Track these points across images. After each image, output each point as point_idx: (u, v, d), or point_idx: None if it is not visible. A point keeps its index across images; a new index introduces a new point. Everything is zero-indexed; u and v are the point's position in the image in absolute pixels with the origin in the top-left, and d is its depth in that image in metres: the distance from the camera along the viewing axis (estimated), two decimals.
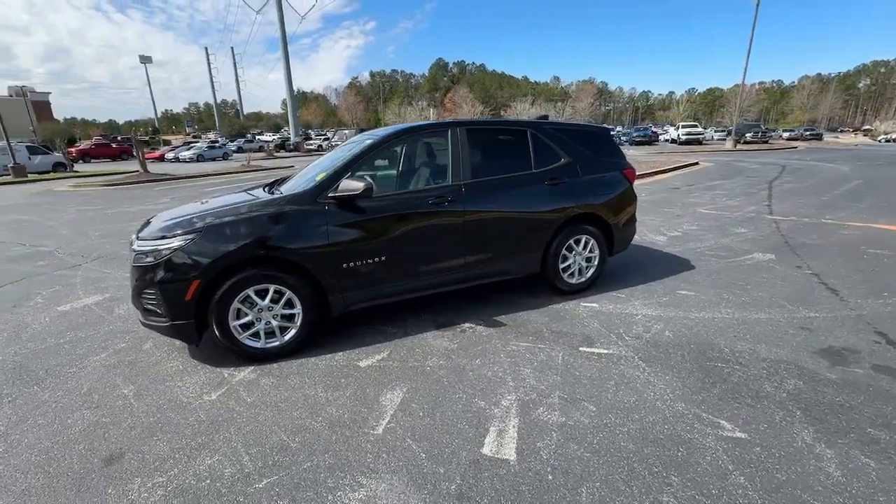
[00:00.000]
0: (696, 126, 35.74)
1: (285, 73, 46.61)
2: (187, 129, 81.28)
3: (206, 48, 77.17)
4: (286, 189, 3.39)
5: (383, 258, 3.18)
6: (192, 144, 37.70)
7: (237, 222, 2.84)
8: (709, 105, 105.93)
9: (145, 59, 64.20)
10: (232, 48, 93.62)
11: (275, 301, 2.96)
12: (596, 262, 4.06)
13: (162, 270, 2.73)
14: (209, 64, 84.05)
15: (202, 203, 3.35)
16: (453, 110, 73.74)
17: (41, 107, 61.39)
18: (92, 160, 35.15)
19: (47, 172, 22.78)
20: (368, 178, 3.56)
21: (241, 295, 2.85)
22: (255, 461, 2.10)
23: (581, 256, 3.98)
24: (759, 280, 4.27)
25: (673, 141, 36.42)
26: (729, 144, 27.62)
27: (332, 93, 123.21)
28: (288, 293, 2.97)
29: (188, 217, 2.93)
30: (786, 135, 45.54)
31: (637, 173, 13.00)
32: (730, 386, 2.57)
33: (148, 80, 60.51)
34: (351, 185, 2.96)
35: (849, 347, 2.96)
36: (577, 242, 3.93)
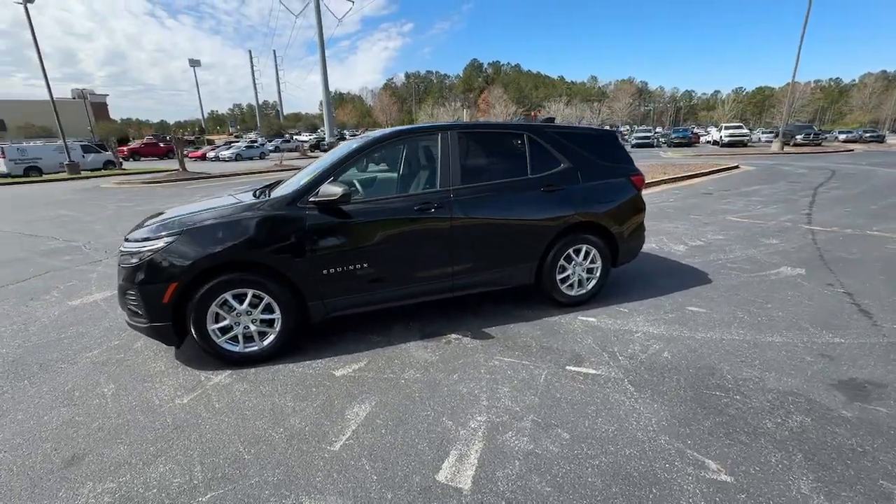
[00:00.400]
0: (740, 127, 33.71)
1: (322, 75, 47.68)
2: (230, 130, 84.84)
3: (250, 51, 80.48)
4: (276, 193, 3.37)
5: (365, 265, 3.10)
6: (232, 144, 39.30)
7: (216, 227, 2.84)
8: (757, 105, 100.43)
9: (194, 63, 67.53)
10: (274, 51, 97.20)
11: (253, 306, 2.94)
12: (598, 274, 3.83)
13: (142, 272, 2.76)
14: (252, 67, 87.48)
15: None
16: (487, 111, 73.49)
17: (99, 108, 65.65)
18: (141, 158, 37.38)
19: (99, 170, 24.31)
20: (356, 183, 3.53)
21: (218, 299, 2.84)
22: (206, 472, 2.06)
23: (581, 267, 3.76)
24: (782, 298, 3.90)
25: (715, 143, 34.62)
26: (775, 147, 25.91)
27: (368, 94, 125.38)
28: (267, 298, 2.94)
29: (172, 219, 2.95)
30: (842, 137, 42.29)
31: (668, 177, 12.46)
32: (724, 419, 2.32)
33: (196, 82, 63.59)
34: (330, 191, 2.90)
35: (874, 381, 2.62)
36: (577, 252, 3.72)
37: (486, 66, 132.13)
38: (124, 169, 24.81)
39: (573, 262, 3.73)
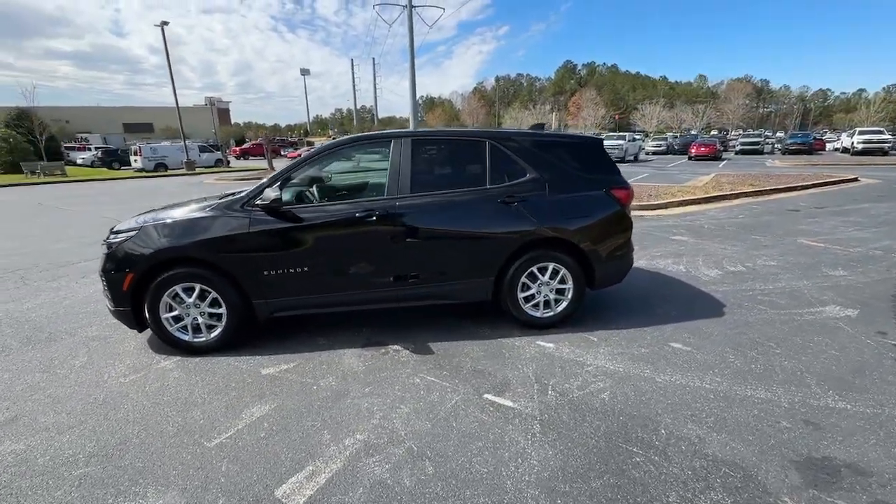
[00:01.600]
0: (880, 132, 28.10)
1: (410, 81, 49.81)
2: (330, 132, 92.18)
3: (352, 60, 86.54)
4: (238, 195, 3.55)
5: (306, 269, 3.17)
6: None
7: (169, 225, 3.11)
8: None
9: (304, 72, 74.63)
10: (373, 59, 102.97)
11: (202, 299, 3.16)
12: (569, 296, 3.47)
13: (109, 262, 3.12)
14: (353, 74, 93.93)
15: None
16: (576, 114, 70.73)
17: (223, 113, 75.76)
18: (250, 157, 42.28)
19: (211, 167, 27.98)
20: (314, 190, 3.60)
21: (170, 291, 3.10)
22: (95, 448, 2.26)
23: (548, 287, 3.44)
24: (802, 344, 3.19)
25: (845, 150, 29.33)
26: None
27: (458, 98, 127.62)
28: (214, 293, 3.14)
29: (140, 217, 3.30)
30: None
31: (753, 190, 10.94)
32: (621, 482, 1.96)
33: (305, 90, 70.47)
34: (266, 195, 3.02)
35: (857, 465, 2.03)
36: (543, 271, 3.41)
37: (579, 67, 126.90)
38: (229, 167, 28.25)
39: (538, 282, 3.42)
